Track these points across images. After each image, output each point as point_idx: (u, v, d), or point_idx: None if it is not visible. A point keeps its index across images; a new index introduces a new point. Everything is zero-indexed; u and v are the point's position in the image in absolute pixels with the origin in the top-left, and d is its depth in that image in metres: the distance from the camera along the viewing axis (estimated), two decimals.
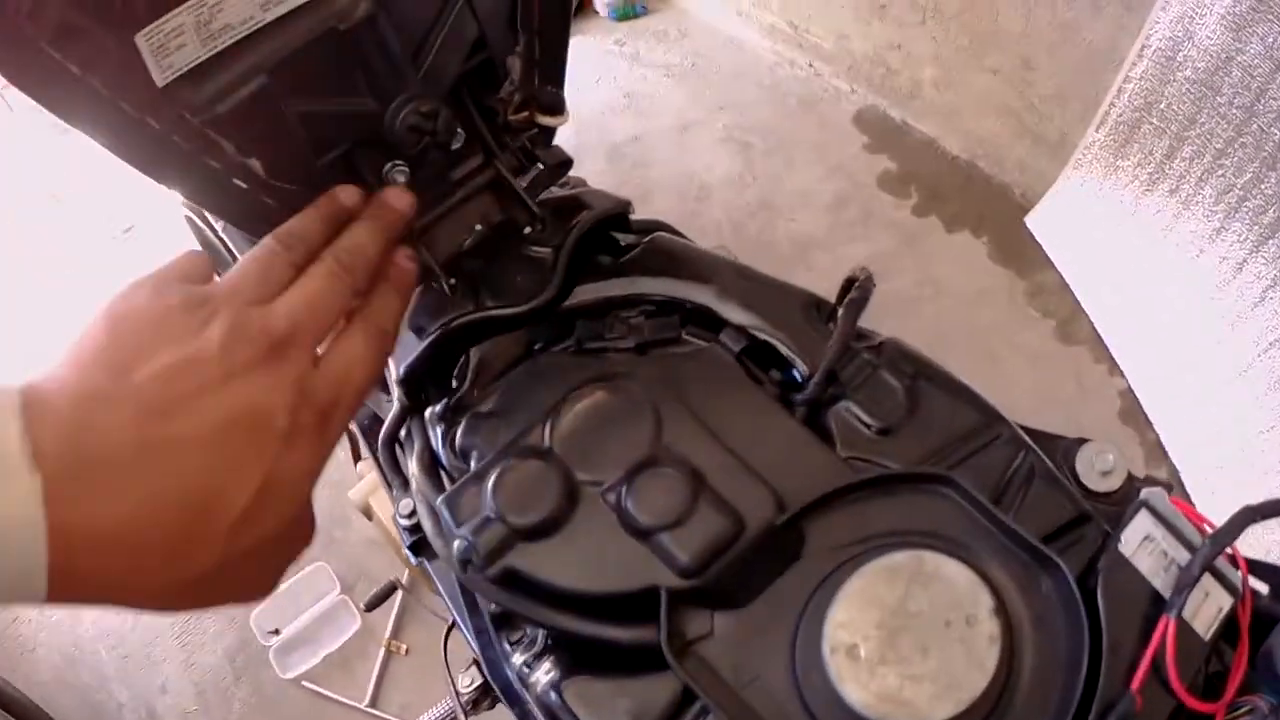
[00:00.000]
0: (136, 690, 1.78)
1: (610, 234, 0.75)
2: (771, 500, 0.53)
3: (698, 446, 0.57)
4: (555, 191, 0.77)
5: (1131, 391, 1.83)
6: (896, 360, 0.61)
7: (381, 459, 0.78)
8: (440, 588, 0.74)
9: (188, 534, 0.38)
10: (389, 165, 0.63)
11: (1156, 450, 1.75)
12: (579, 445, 0.58)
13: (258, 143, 0.57)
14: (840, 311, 0.61)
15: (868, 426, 0.58)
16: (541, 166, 0.73)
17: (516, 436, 0.60)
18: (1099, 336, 1.92)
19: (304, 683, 1.69)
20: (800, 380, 0.61)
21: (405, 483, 0.74)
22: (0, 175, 2.66)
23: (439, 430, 0.69)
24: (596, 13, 2.78)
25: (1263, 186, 1.52)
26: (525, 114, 0.69)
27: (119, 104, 0.49)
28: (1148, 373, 1.84)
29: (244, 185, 0.57)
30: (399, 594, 1.66)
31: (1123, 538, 0.49)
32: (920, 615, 0.46)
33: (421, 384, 0.71)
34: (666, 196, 2.21)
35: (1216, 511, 0.48)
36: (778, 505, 0.53)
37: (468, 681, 0.89)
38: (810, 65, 2.42)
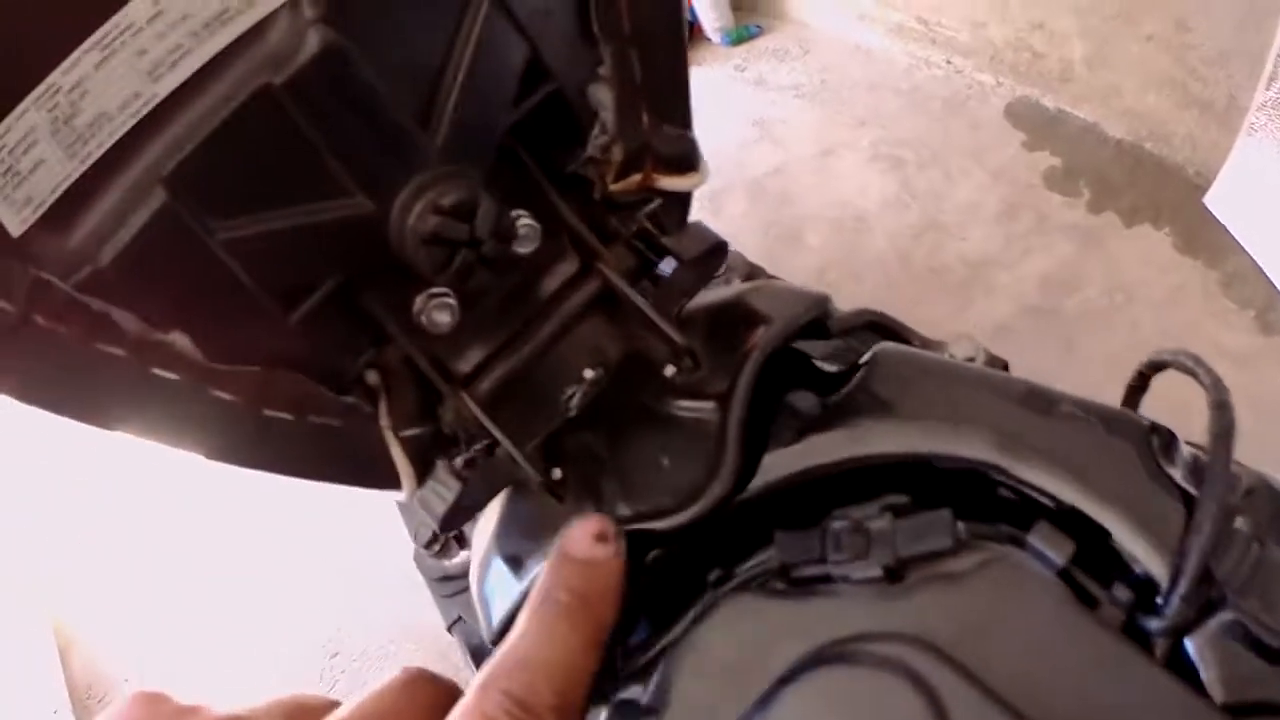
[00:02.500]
0: None
1: (802, 356, 0.47)
2: None
3: None
4: (707, 297, 0.50)
5: None
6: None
7: None
8: None
9: None
10: (422, 299, 0.40)
11: None
12: None
13: (176, 304, 0.35)
14: (1206, 467, 0.37)
15: (1261, 649, 0.35)
16: (676, 262, 0.47)
17: None
18: None
19: None
20: (1154, 588, 0.37)
21: None
22: None
23: None
24: (708, 40, 2.72)
25: None
26: (637, 177, 0.44)
27: None
28: None
29: (171, 376, 0.35)
30: None
31: None
32: None
33: None
34: (821, 230, 2.16)
35: None
36: None
37: None
38: (948, 62, 2.33)
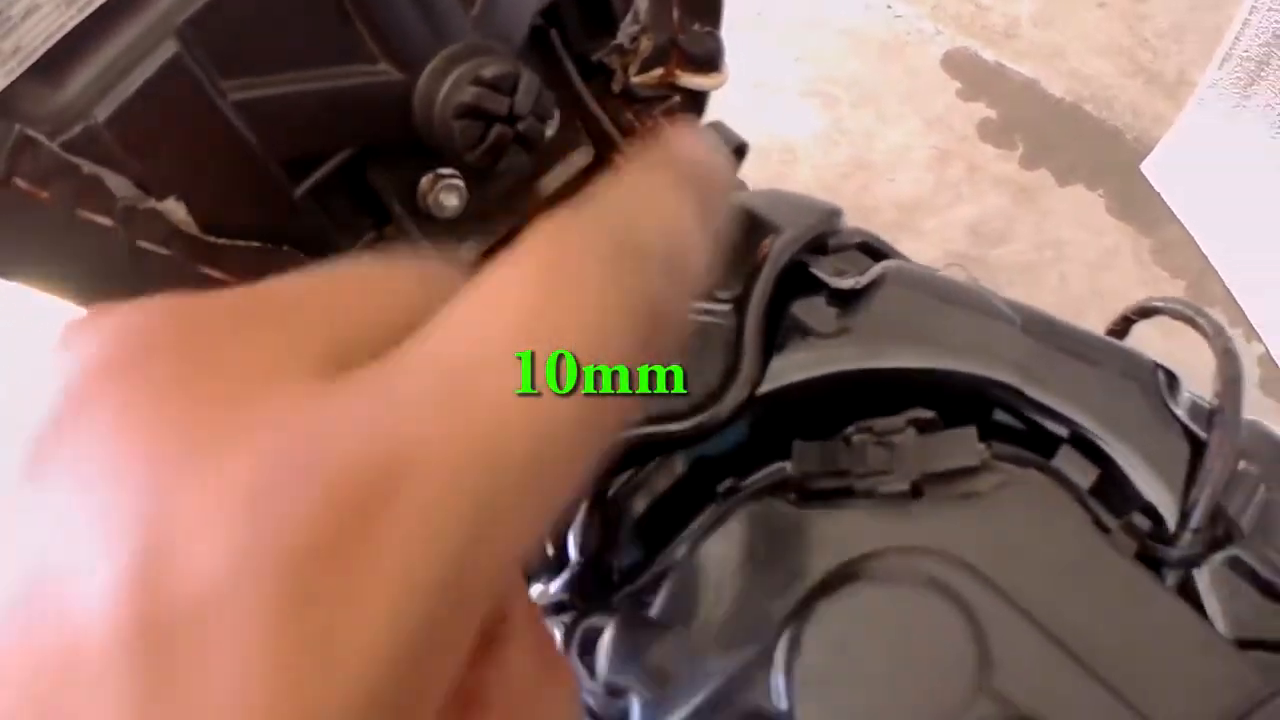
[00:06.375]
0: None
1: (809, 269, 0.46)
2: None
3: (1051, 683, 0.34)
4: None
5: (1271, 358, 1.68)
6: None
7: None
8: None
9: None
10: (429, 179, 0.37)
11: None
12: (848, 705, 0.34)
13: (176, 168, 0.31)
14: (1216, 409, 0.38)
15: (1266, 590, 0.37)
16: None
17: (721, 687, 0.35)
18: (1233, 296, 1.76)
19: None
20: (1162, 519, 0.38)
21: None
22: None
23: (561, 642, 0.43)
24: None
25: None
26: (661, 72, 0.43)
27: None
28: None
29: (162, 250, 0.32)
30: None
31: None
32: None
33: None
34: (747, 158, 2.02)
35: None
36: None
37: None
38: (889, 7, 2.24)
